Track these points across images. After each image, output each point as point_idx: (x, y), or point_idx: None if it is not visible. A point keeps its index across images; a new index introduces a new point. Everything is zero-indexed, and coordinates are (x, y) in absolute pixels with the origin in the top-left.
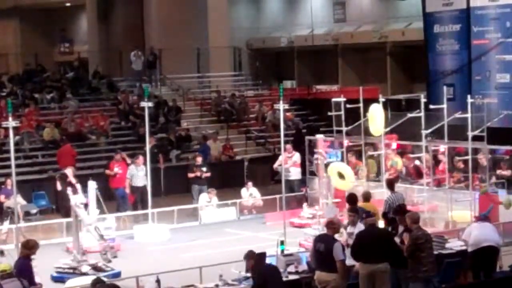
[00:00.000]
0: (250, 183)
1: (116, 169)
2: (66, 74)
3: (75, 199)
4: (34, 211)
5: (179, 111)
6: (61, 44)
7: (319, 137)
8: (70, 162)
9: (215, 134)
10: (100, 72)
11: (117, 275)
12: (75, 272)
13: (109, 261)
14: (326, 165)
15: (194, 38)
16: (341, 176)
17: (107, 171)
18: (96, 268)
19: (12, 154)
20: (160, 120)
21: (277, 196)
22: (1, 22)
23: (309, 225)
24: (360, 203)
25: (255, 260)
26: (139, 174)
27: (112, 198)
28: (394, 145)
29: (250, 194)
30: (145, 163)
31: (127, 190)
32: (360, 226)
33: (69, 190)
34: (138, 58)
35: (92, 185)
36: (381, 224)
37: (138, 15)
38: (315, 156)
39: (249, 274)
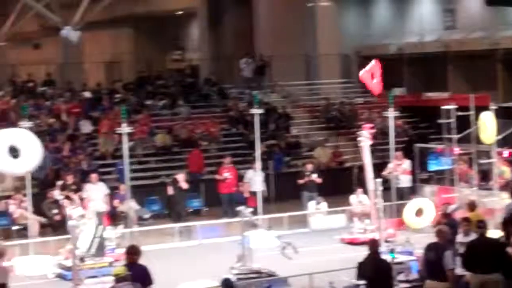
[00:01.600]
0: (359, 190)
1: (226, 175)
2: (178, 82)
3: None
4: (147, 216)
5: (288, 118)
6: (173, 51)
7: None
8: (199, 166)
9: (324, 141)
10: (211, 79)
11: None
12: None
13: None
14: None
15: (303, 45)
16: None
17: (217, 176)
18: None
19: (126, 160)
20: (270, 127)
21: (387, 203)
22: (116, 30)
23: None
24: (466, 213)
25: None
26: (256, 179)
27: (220, 203)
28: (506, 154)
29: (360, 201)
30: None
31: (246, 194)
32: (474, 236)
33: None
34: (248, 65)
35: None
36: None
37: (248, 23)
38: None
39: (359, 282)
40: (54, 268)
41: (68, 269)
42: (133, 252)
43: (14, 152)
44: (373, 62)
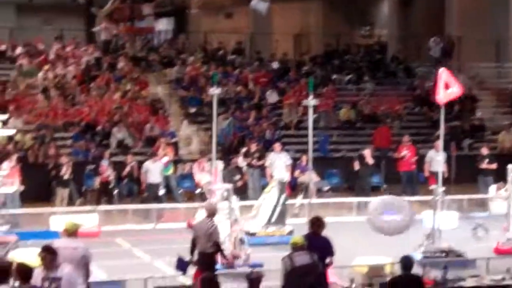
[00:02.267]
0: None
1: (404, 152)
2: (365, 57)
3: None
4: (326, 188)
5: (474, 100)
6: (362, 27)
7: None
8: (385, 143)
9: (509, 125)
10: (398, 57)
11: None
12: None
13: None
14: None
15: (494, 27)
16: None
17: (396, 154)
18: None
19: (310, 132)
20: (455, 108)
21: None
22: (305, 3)
23: None
24: None
25: None
26: (437, 159)
27: (399, 181)
28: None
29: None
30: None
31: (426, 174)
32: None
33: None
34: (436, 45)
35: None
36: None
37: (439, 2)
38: None
39: None
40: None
41: (250, 234)
42: (317, 223)
43: None
44: (440, 70)
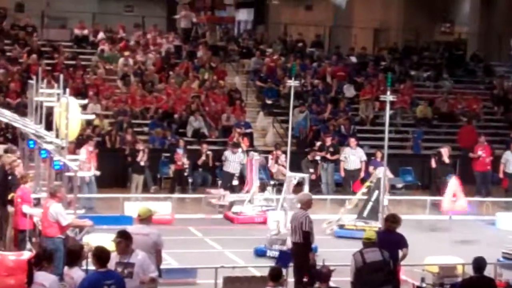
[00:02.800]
0: None
1: (480, 152)
2: (444, 54)
3: None
4: (399, 185)
5: None
6: (442, 23)
7: None
8: (470, 142)
9: None
10: (478, 56)
11: None
12: None
13: None
14: None
15: None
16: None
17: (471, 154)
18: None
19: (386, 128)
20: None
21: None
22: None
23: None
24: None
25: None
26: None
27: (474, 181)
28: None
29: None
30: None
31: (501, 175)
32: None
33: None
34: None
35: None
36: None
37: None
38: None
39: None
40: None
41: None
42: (392, 220)
43: None
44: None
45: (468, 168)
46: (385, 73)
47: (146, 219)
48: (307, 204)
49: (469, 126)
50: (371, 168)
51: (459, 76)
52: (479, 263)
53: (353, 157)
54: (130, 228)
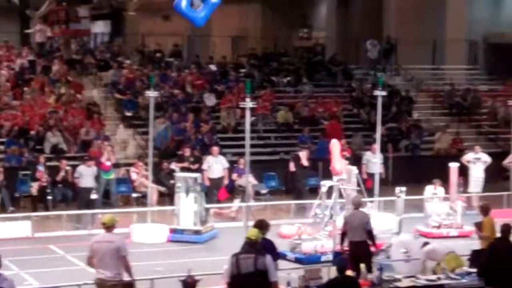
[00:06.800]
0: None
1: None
2: (303, 59)
3: None
4: (264, 191)
5: (411, 101)
6: (300, 29)
7: None
8: (338, 136)
9: (445, 126)
10: (336, 59)
11: None
12: None
13: None
14: None
15: (431, 29)
16: None
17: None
18: None
19: (247, 135)
20: (392, 109)
21: (505, 193)
22: (244, 6)
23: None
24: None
25: None
26: (374, 161)
27: None
28: None
29: (435, 193)
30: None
31: (364, 176)
32: None
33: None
34: (374, 47)
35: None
36: None
37: (377, 4)
38: None
39: (471, 270)
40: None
41: None
42: (261, 226)
43: None
44: (333, 141)
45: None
46: (245, 80)
47: (110, 226)
48: (358, 205)
49: (334, 121)
50: (234, 176)
51: (319, 80)
52: (340, 264)
53: (216, 165)
54: (96, 237)
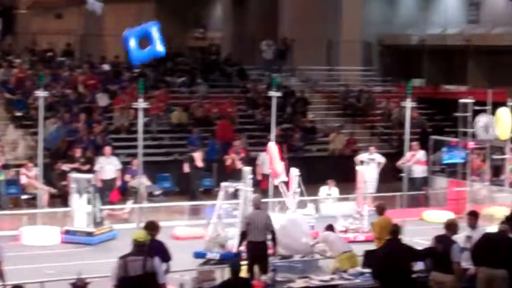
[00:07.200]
0: (332, 182)
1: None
2: (198, 60)
3: None
4: (157, 192)
5: (306, 102)
6: (195, 29)
7: None
8: (229, 136)
9: (340, 127)
10: (231, 59)
11: None
12: None
13: None
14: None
15: (326, 30)
16: None
17: (226, 157)
18: None
19: (141, 135)
20: (287, 110)
21: (398, 193)
22: (137, 5)
23: None
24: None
25: None
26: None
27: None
28: None
29: (329, 194)
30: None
31: (259, 177)
32: (481, 231)
33: None
34: (269, 48)
35: (294, 171)
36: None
37: (272, 5)
38: None
39: (364, 270)
40: None
41: None
42: (151, 228)
43: None
44: (269, 144)
45: (225, 171)
46: (139, 80)
47: None
48: (257, 205)
49: (225, 121)
50: (127, 177)
51: (214, 81)
52: (234, 266)
53: (108, 166)
54: None
